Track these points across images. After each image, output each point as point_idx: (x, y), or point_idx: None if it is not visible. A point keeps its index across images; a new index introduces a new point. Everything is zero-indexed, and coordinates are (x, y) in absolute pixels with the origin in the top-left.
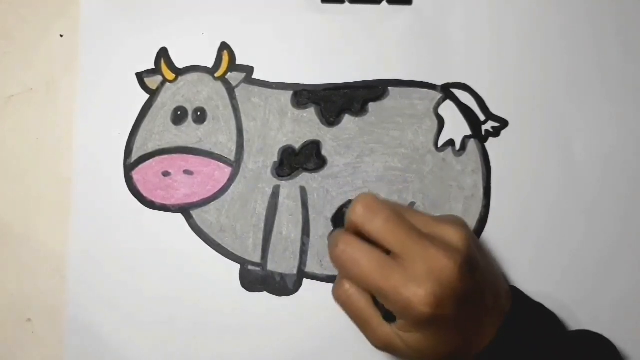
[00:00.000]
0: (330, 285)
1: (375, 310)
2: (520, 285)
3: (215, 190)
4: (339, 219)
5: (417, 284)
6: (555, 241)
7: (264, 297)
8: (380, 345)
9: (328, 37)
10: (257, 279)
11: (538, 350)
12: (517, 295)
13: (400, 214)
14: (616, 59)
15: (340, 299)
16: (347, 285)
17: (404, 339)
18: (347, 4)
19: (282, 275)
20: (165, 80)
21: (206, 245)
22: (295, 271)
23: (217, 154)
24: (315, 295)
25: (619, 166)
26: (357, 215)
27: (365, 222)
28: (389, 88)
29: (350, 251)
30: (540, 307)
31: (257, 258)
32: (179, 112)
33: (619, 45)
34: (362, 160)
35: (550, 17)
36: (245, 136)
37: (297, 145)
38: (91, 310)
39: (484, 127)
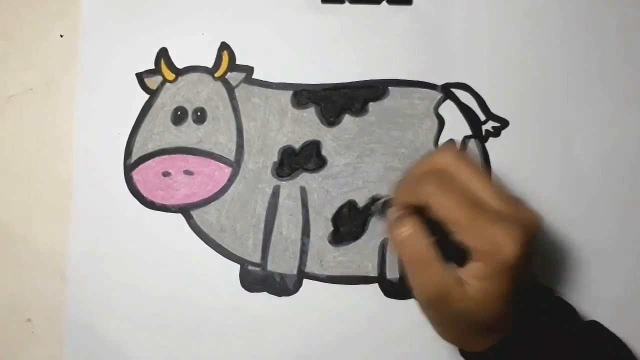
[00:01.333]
0: (330, 286)
1: (438, 252)
2: None
3: (215, 191)
4: (339, 219)
5: (510, 224)
6: (554, 240)
7: (264, 298)
8: (435, 291)
9: (328, 37)
10: (257, 279)
11: (555, 336)
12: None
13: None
14: (616, 59)
15: (400, 237)
16: (411, 223)
17: (467, 287)
18: (347, 4)
19: (282, 276)
20: (165, 81)
21: (206, 246)
22: (295, 271)
23: (217, 154)
24: (315, 295)
25: (619, 166)
26: (448, 157)
27: (455, 165)
28: (389, 88)
29: (445, 182)
30: (559, 299)
31: (257, 258)
32: (179, 112)
33: (619, 45)
34: (362, 160)
35: (551, 17)
36: (245, 136)
37: (297, 145)
38: (91, 310)
39: (484, 127)
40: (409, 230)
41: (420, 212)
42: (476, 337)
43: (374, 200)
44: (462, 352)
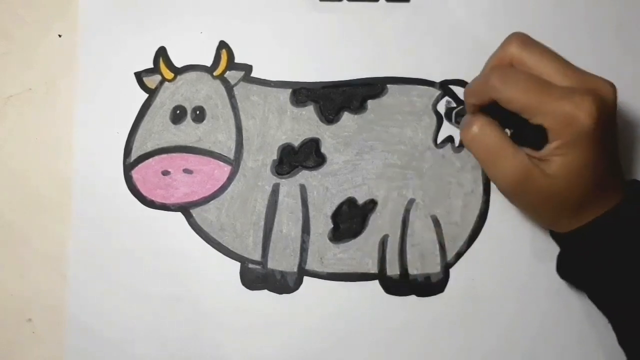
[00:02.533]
0: (330, 283)
1: (510, 140)
2: (521, 279)
3: (215, 189)
4: (339, 216)
5: (580, 96)
6: None
7: (264, 295)
8: (515, 177)
9: (326, 35)
10: (257, 277)
11: None
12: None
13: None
14: (615, 58)
15: (469, 136)
16: (477, 121)
17: (547, 166)
18: (345, 1)
19: (282, 273)
20: (164, 80)
21: (206, 244)
22: (295, 269)
23: (217, 153)
24: (315, 293)
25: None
26: (512, 47)
27: (523, 53)
28: (388, 85)
29: (508, 74)
30: None
31: (257, 256)
32: (178, 111)
33: (618, 44)
34: (362, 158)
35: (549, 14)
36: (245, 134)
37: (296, 143)
38: (91, 310)
39: None
40: (477, 127)
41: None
42: (565, 217)
43: (451, 109)
44: (553, 233)
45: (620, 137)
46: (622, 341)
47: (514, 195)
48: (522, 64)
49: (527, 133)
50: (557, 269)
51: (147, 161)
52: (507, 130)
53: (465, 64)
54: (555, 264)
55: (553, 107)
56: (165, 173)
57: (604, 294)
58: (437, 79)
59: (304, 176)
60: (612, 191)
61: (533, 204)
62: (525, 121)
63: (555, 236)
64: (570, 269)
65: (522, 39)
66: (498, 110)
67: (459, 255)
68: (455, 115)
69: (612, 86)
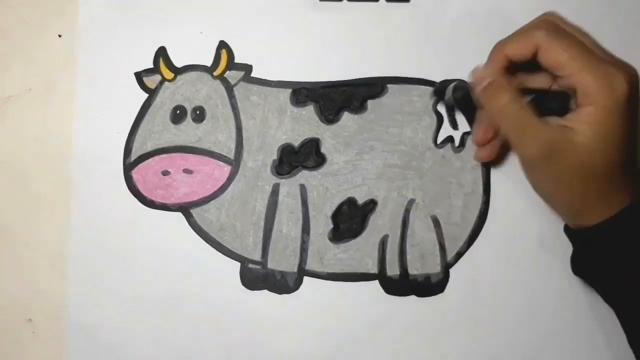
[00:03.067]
0: (330, 283)
1: (536, 111)
2: (521, 279)
3: (215, 189)
4: (339, 216)
5: (619, 64)
6: (555, 235)
7: (264, 295)
8: (544, 148)
9: (326, 35)
10: (257, 277)
11: None
12: None
13: None
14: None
15: (498, 106)
16: (508, 89)
17: (576, 135)
18: (345, 1)
19: (282, 273)
20: (164, 80)
21: (206, 244)
22: (295, 269)
23: (217, 153)
24: (315, 293)
25: None
26: (542, 34)
27: (550, 43)
28: (388, 85)
29: (554, 27)
30: None
31: (257, 256)
32: (178, 111)
33: (617, 43)
34: (362, 158)
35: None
36: (245, 134)
37: (296, 143)
38: (91, 309)
39: None
40: (507, 97)
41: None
42: (592, 200)
43: (443, 87)
44: (568, 230)
45: None
46: (632, 341)
47: (541, 169)
48: (548, 52)
49: (548, 100)
50: (572, 266)
51: (147, 161)
52: (527, 97)
53: (465, 64)
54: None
55: (597, 70)
56: (165, 173)
57: (617, 293)
58: (437, 79)
59: (304, 176)
60: (632, 186)
61: (559, 181)
62: (544, 91)
63: (569, 232)
64: (585, 266)
65: (550, 25)
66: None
67: (459, 255)
68: (454, 87)
69: (636, 70)
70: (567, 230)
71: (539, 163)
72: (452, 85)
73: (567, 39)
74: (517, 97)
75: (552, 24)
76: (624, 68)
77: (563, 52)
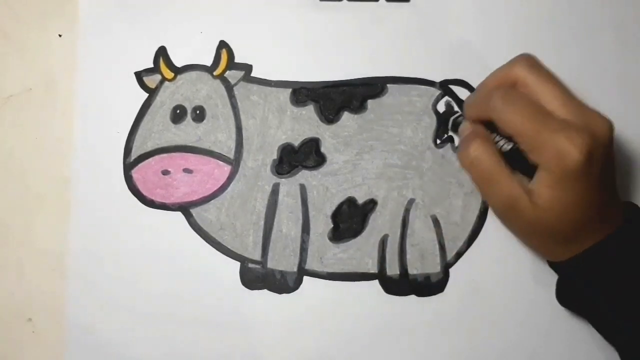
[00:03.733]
0: (330, 283)
1: (506, 166)
2: (521, 279)
3: (215, 189)
4: (338, 216)
5: (575, 131)
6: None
7: (264, 295)
8: (506, 202)
9: (326, 34)
10: (257, 276)
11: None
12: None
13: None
14: (615, 56)
15: (468, 159)
16: (477, 144)
17: (536, 196)
18: (345, 1)
19: (282, 273)
20: (164, 79)
21: (206, 244)
22: (295, 269)
23: (217, 152)
24: (315, 292)
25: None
26: (519, 68)
27: (528, 76)
28: (388, 85)
29: (510, 97)
30: None
31: (257, 256)
32: (178, 111)
33: (616, 42)
34: (362, 157)
35: (548, 14)
36: (245, 134)
37: (296, 143)
38: (91, 309)
39: None
40: (476, 151)
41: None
42: (557, 246)
43: (450, 113)
44: (550, 262)
45: (619, 150)
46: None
47: (503, 220)
48: (525, 87)
49: (521, 158)
50: (557, 297)
51: (147, 161)
52: (506, 145)
53: (465, 64)
54: (552, 271)
55: (547, 139)
56: (165, 173)
57: (606, 320)
58: (437, 79)
59: (304, 176)
60: (610, 219)
61: (520, 230)
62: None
63: (552, 265)
64: (569, 297)
65: (529, 61)
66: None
67: (459, 255)
68: (453, 121)
69: (610, 124)
70: (549, 261)
71: (500, 216)
72: (451, 118)
73: (519, 109)
74: (489, 149)
75: (507, 92)
76: (582, 132)
77: (514, 124)
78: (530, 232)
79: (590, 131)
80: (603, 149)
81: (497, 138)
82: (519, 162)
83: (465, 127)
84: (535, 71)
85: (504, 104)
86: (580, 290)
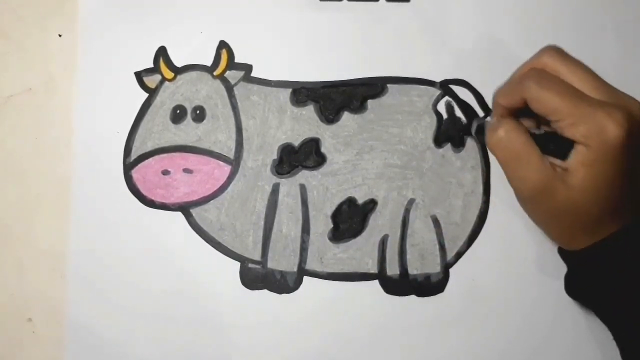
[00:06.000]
0: (330, 283)
1: (536, 147)
2: (521, 279)
3: (215, 189)
4: (338, 216)
5: (613, 108)
6: None
7: (264, 295)
8: (535, 185)
9: (326, 34)
10: (257, 276)
11: None
12: None
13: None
14: (615, 56)
15: (494, 139)
16: (505, 124)
17: (571, 177)
18: (345, 1)
19: (282, 273)
20: (164, 79)
21: (206, 244)
22: (295, 269)
23: (217, 152)
24: (315, 292)
25: None
26: (547, 56)
27: (557, 62)
28: (388, 85)
29: (545, 76)
30: None
31: (257, 256)
32: (178, 111)
33: (616, 42)
34: (362, 157)
35: (549, 14)
36: (245, 134)
37: (296, 143)
38: (91, 309)
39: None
40: (507, 131)
41: (521, 115)
42: (581, 232)
43: (471, 121)
44: (561, 251)
45: None
46: (627, 358)
47: (531, 204)
48: (557, 73)
49: (552, 141)
50: (566, 287)
51: (147, 161)
52: (535, 131)
53: (465, 64)
54: (552, 271)
55: (585, 113)
56: (165, 173)
57: (613, 314)
58: (437, 79)
59: (304, 176)
60: (628, 208)
61: (549, 215)
62: (550, 133)
63: (565, 254)
64: (580, 288)
65: (557, 50)
66: (526, 117)
67: (459, 255)
68: (477, 124)
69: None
70: (560, 251)
71: (529, 199)
72: (474, 121)
73: (555, 86)
74: (520, 128)
75: (541, 72)
76: (619, 108)
77: (551, 101)
78: (559, 216)
79: (628, 109)
80: (638, 129)
81: (527, 124)
82: (548, 149)
83: (493, 122)
84: (563, 58)
85: (539, 83)
86: (591, 280)
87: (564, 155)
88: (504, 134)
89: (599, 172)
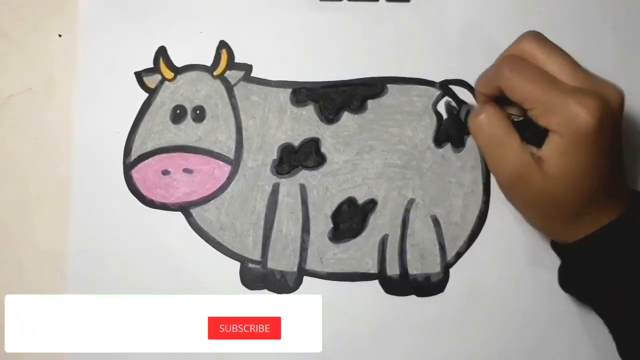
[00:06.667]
0: (330, 283)
1: (516, 133)
2: (521, 279)
3: (215, 189)
4: (338, 216)
5: (586, 95)
6: None
7: (264, 295)
8: (514, 170)
9: (326, 34)
10: (257, 276)
11: None
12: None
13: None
14: (615, 55)
15: (478, 122)
16: (486, 109)
17: (546, 165)
18: (345, 1)
19: (282, 273)
20: (164, 79)
21: (206, 244)
22: (295, 269)
23: (217, 152)
24: (315, 292)
25: None
26: (525, 42)
27: (535, 48)
28: (388, 85)
29: (518, 63)
30: None
31: (257, 256)
32: (178, 111)
33: (616, 42)
34: (362, 157)
35: (548, 14)
36: (245, 134)
37: (296, 143)
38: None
39: None
40: (484, 116)
41: (507, 102)
42: (561, 221)
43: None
44: (555, 245)
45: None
46: (624, 353)
47: (509, 190)
48: (534, 59)
49: (529, 129)
50: (559, 281)
51: (147, 161)
52: (515, 118)
53: (465, 64)
54: (552, 271)
55: (557, 101)
56: (165, 172)
57: (607, 306)
58: (437, 79)
59: (304, 176)
60: (615, 201)
61: (527, 202)
62: (527, 119)
63: (556, 247)
64: (573, 281)
65: (536, 35)
66: (512, 105)
67: (459, 255)
68: (466, 110)
69: (620, 92)
70: (553, 244)
71: (506, 185)
72: (463, 107)
73: (528, 73)
74: (500, 113)
75: (515, 59)
76: (592, 95)
77: (523, 89)
78: (536, 203)
79: (601, 96)
80: (613, 117)
81: (513, 112)
82: (527, 135)
83: (476, 107)
84: (542, 44)
85: (512, 70)
86: (585, 274)
87: (540, 144)
88: (485, 119)
89: (572, 161)
